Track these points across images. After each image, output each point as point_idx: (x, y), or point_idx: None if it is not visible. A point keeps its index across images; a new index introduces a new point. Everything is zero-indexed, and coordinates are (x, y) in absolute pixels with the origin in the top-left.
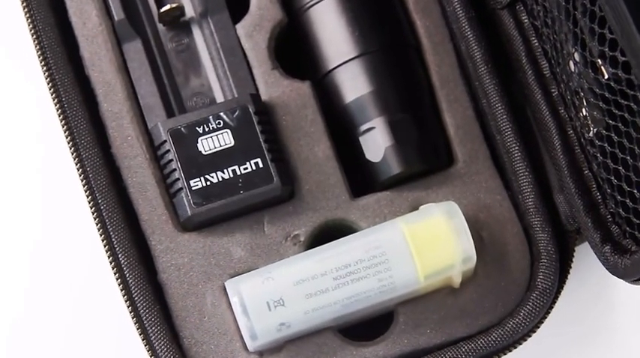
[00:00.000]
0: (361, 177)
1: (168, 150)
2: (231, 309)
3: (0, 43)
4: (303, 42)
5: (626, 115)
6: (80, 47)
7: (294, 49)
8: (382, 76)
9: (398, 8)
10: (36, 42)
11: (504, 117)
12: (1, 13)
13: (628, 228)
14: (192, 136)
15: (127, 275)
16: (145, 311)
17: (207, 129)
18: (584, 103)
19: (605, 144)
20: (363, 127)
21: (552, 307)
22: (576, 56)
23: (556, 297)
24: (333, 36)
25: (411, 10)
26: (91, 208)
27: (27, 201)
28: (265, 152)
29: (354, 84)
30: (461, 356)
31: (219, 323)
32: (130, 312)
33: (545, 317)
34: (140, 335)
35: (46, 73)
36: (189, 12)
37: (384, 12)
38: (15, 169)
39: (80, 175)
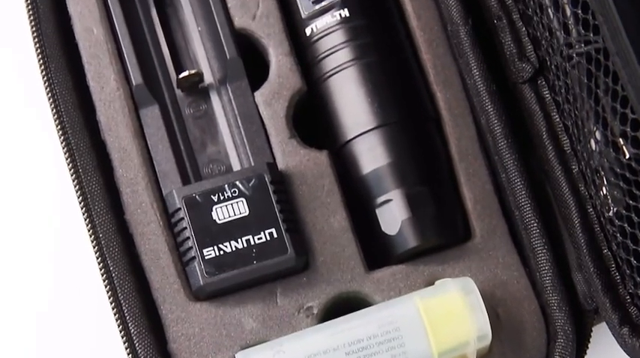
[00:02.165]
0: (377, 250)
1: (182, 218)
2: None
3: (17, 105)
4: (321, 111)
5: None
6: (97, 111)
7: (313, 118)
8: (401, 147)
9: (418, 80)
10: (53, 105)
11: (523, 192)
12: (19, 76)
13: None
14: (206, 204)
15: (137, 344)
16: None
17: (222, 198)
18: (605, 182)
19: (625, 224)
20: (380, 199)
21: None
22: (597, 134)
23: None
24: (352, 106)
25: (432, 82)
26: (103, 275)
27: (38, 266)
28: (280, 222)
29: (372, 155)
30: None
31: None
32: None
33: None
34: None
35: (62, 137)
36: (208, 78)
37: (404, 83)
38: (27, 233)
39: (92, 241)
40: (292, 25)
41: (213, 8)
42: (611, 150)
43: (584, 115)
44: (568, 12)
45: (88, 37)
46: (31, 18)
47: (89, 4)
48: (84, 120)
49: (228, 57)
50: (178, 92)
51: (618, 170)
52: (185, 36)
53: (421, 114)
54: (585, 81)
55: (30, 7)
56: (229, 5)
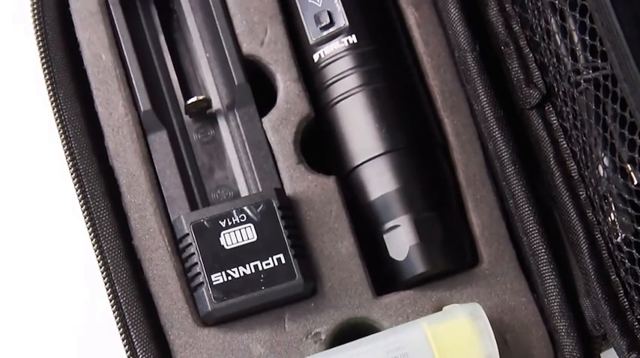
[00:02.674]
0: (385, 275)
1: (190, 244)
2: None
3: (26, 131)
4: (329, 137)
5: None
6: (105, 137)
7: (320, 144)
8: (408, 173)
9: (426, 106)
10: (61, 132)
11: (531, 218)
12: (27, 102)
13: None
14: (214, 230)
15: None
16: None
17: (230, 223)
18: (613, 208)
19: (633, 251)
20: (388, 225)
21: None
22: (605, 161)
23: None
24: (360, 132)
25: (439, 107)
26: (111, 301)
27: (47, 292)
28: (288, 248)
29: (379, 181)
30: None
31: None
32: None
33: None
34: None
35: (70, 163)
36: (216, 104)
37: (411, 109)
38: (36, 259)
39: (101, 267)
40: (300, 51)
41: (221, 34)
42: (619, 177)
43: (592, 141)
44: (576, 38)
45: (96, 63)
46: (40, 44)
47: (98, 31)
48: (92, 146)
49: (236, 83)
50: (186, 118)
51: (626, 196)
52: (193, 62)
53: (429, 140)
54: (593, 107)
55: (39, 33)
56: (237, 31)
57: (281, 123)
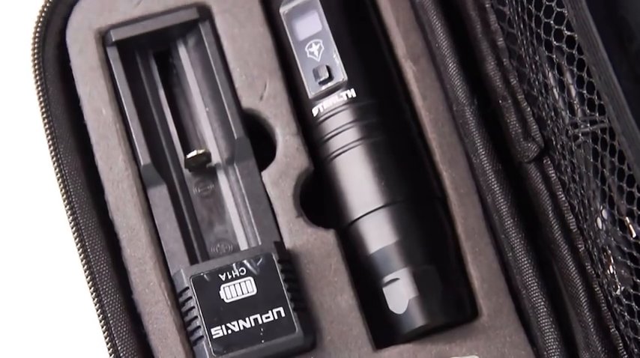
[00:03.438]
0: (384, 328)
1: (190, 298)
2: None
3: (26, 184)
4: (328, 190)
5: None
6: (105, 191)
7: (320, 197)
8: (407, 226)
9: (424, 159)
10: (62, 186)
11: (530, 271)
12: (27, 155)
13: None
14: (214, 284)
15: None
16: None
17: (229, 277)
18: (612, 261)
19: (633, 303)
20: (387, 278)
21: None
22: (604, 213)
23: None
24: (359, 185)
25: (438, 161)
26: (111, 355)
27: (46, 347)
28: (288, 301)
29: (379, 234)
30: None
31: None
32: None
33: None
34: None
35: (71, 218)
36: (216, 158)
37: (410, 162)
38: (35, 313)
39: (100, 321)
40: (299, 105)
41: (220, 88)
42: (618, 229)
43: (591, 194)
44: (573, 92)
45: (96, 118)
46: (41, 99)
47: (98, 85)
48: (92, 199)
49: (235, 137)
50: (186, 172)
51: (625, 249)
52: (193, 116)
53: (427, 193)
54: (591, 160)
55: (40, 88)
56: (237, 85)
57: (280, 177)
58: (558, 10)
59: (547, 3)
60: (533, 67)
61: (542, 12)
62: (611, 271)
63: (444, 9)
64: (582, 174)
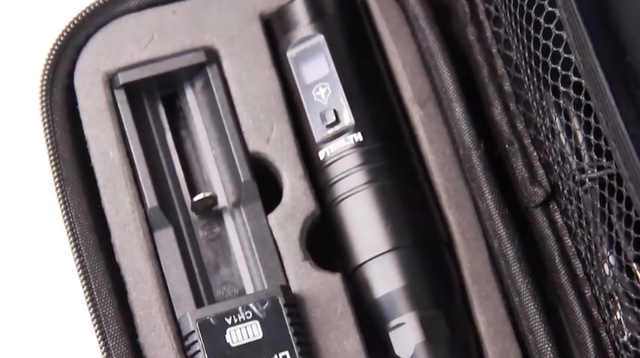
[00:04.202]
0: None
1: (196, 341)
2: None
3: (33, 227)
4: (335, 234)
5: None
6: (112, 234)
7: (326, 240)
8: (414, 271)
9: (431, 203)
10: (68, 228)
11: (537, 316)
12: (35, 198)
13: None
14: (220, 327)
15: None
16: None
17: (235, 321)
18: (619, 307)
19: None
20: (394, 322)
21: None
22: (611, 259)
23: None
24: (365, 229)
25: (444, 205)
26: None
27: None
28: (294, 345)
29: (385, 278)
30: None
31: None
32: None
33: None
34: None
35: (77, 260)
36: (222, 201)
37: (417, 207)
38: (42, 354)
39: None
40: (306, 148)
41: (227, 131)
42: (625, 275)
43: (598, 240)
44: (580, 137)
45: (103, 161)
46: (48, 142)
47: (105, 128)
48: (99, 242)
49: (242, 180)
50: (192, 214)
51: (632, 295)
52: (199, 159)
53: (434, 238)
54: (598, 206)
55: (47, 131)
56: (243, 129)
57: (287, 221)
58: (566, 55)
59: (554, 49)
60: (540, 112)
61: (549, 58)
62: (618, 317)
63: (451, 53)
64: (589, 219)
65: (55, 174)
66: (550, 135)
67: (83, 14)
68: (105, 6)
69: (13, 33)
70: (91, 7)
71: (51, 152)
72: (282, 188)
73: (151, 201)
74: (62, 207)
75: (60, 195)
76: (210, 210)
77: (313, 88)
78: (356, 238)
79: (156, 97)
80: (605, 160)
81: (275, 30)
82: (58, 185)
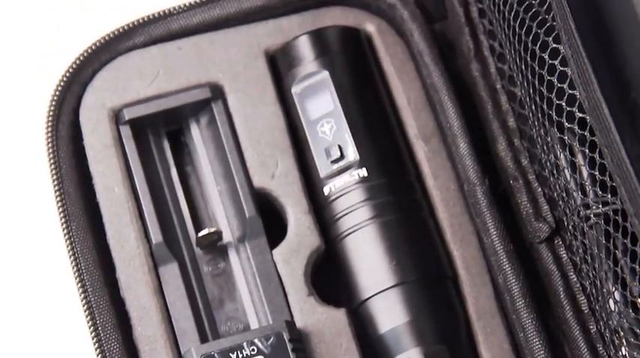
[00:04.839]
0: None
1: None
2: None
3: (37, 263)
4: (340, 269)
5: None
6: (117, 269)
7: (331, 275)
8: (419, 306)
9: (435, 239)
10: (73, 264)
11: (542, 352)
12: (40, 233)
13: None
14: None
15: None
16: None
17: (240, 356)
18: (624, 343)
19: None
20: None
21: None
22: (616, 295)
23: None
24: (370, 264)
25: (449, 240)
26: None
27: None
28: None
29: (390, 313)
30: None
31: None
32: None
33: None
34: None
35: (82, 295)
36: (227, 237)
37: (421, 242)
38: None
39: None
40: (310, 183)
41: (232, 167)
42: (631, 311)
43: (603, 275)
44: (585, 173)
45: (109, 196)
46: (54, 178)
47: (111, 164)
48: (104, 278)
49: (247, 216)
50: (197, 250)
51: (638, 331)
52: (204, 194)
53: (439, 273)
54: (603, 241)
55: (53, 166)
56: (248, 164)
57: (291, 256)
58: (570, 92)
59: (559, 85)
60: (545, 147)
61: (553, 94)
62: (624, 353)
63: (455, 89)
64: (594, 255)
65: (61, 209)
66: (555, 171)
67: (89, 50)
68: (110, 42)
69: (21, 68)
70: (97, 44)
71: (57, 187)
72: (287, 223)
73: (155, 236)
74: (68, 242)
75: (65, 230)
76: (215, 246)
77: (318, 124)
78: (361, 273)
79: (161, 133)
80: (610, 196)
81: (280, 66)
82: (63, 220)
